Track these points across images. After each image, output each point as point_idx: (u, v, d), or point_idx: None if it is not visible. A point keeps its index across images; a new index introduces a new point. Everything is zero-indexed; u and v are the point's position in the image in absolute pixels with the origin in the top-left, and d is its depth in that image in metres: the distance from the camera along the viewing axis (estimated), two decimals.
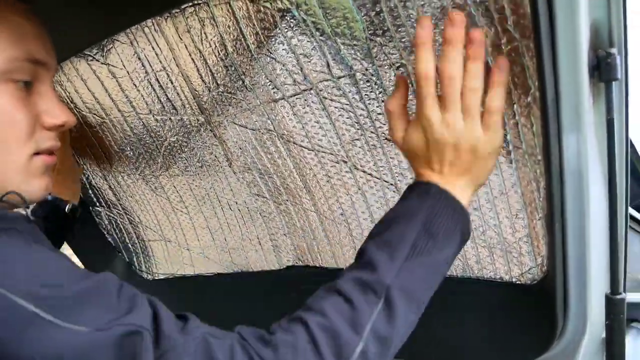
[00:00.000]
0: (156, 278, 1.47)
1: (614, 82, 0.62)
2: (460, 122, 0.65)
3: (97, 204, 1.45)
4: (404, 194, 0.70)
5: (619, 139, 0.66)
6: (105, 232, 1.50)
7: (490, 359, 0.95)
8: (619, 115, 0.65)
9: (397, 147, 0.72)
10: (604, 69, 0.61)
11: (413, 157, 0.70)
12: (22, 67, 0.67)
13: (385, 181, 0.95)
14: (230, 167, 1.12)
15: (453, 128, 0.65)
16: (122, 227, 1.46)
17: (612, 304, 0.69)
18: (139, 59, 1.08)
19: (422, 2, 0.74)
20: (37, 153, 0.70)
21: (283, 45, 0.88)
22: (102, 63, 1.13)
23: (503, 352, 0.92)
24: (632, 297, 1.18)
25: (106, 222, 1.48)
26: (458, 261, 0.94)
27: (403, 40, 0.78)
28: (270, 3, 0.85)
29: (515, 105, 0.75)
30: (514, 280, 0.89)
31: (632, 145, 1.92)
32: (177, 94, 1.09)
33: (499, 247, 0.87)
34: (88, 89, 1.20)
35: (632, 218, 1.54)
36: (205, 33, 0.94)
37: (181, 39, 0.98)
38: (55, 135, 0.73)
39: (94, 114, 1.25)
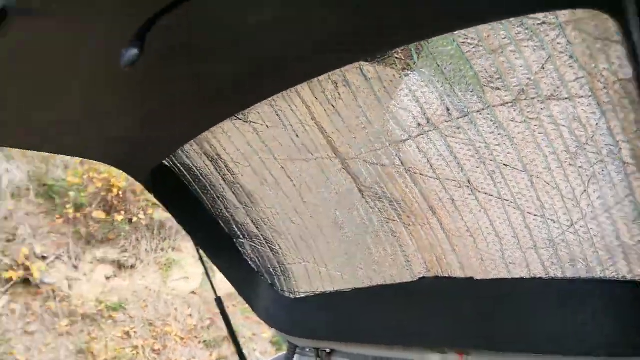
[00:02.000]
0: (297, 296, 1.68)
1: None
2: None
3: (241, 236, 1.68)
4: None
5: None
6: (248, 260, 1.73)
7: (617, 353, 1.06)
8: None
9: None
10: None
11: None
12: None
13: (506, 200, 1.09)
14: (362, 197, 1.30)
15: None
16: (263, 254, 1.68)
17: None
18: (277, 115, 1.29)
19: (529, 54, 0.88)
20: None
21: (408, 96, 1.05)
22: (244, 121, 1.35)
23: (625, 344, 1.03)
24: None
25: (249, 251, 1.70)
26: (580, 264, 1.06)
27: (515, 86, 0.93)
28: (395, 65, 1.02)
29: (629, 131, 0.88)
30: (636, 278, 1.00)
31: None
32: (312, 140, 1.28)
33: (620, 249, 0.99)
34: (232, 143, 1.43)
35: None
36: (338, 92, 1.13)
37: (316, 98, 1.18)
38: None
39: (237, 162, 1.47)
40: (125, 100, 1.19)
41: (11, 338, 5.72)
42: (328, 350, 1.68)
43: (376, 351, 1.51)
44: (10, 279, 6.04)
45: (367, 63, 1.05)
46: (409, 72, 1.02)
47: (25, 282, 6.19)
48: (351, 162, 1.25)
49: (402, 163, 1.17)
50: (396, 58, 1.01)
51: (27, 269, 6.16)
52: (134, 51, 0.66)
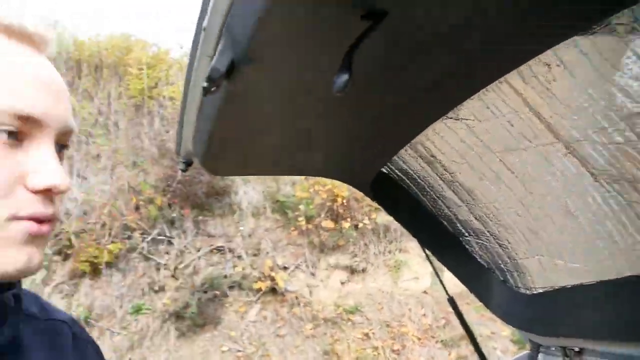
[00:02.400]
0: (534, 292, 1.60)
1: None
2: None
3: (466, 234, 1.66)
4: None
5: None
6: (477, 257, 1.70)
7: None
8: None
9: None
10: None
11: None
12: (4, 119, 0.60)
13: None
14: (595, 180, 1.19)
15: None
16: (491, 250, 1.63)
17: None
18: (488, 107, 1.25)
19: None
20: (18, 218, 0.61)
21: (637, 63, 0.94)
22: (455, 119, 1.34)
23: None
24: None
25: (476, 248, 1.68)
26: None
27: None
28: (617, 32, 0.92)
29: None
30: None
31: None
32: (529, 127, 1.22)
33: None
34: (445, 142, 1.43)
35: None
36: (552, 74, 1.05)
37: (527, 83, 1.12)
38: (46, 200, 0.63)
39: (453, 161, 1.47)
40: (341, 121, 1.27)
41: (265, 342, 6.45)
42: (577, 349, 1.56)
43: (634, 349, 1.36)
44: (260, 289, 6.84)
45: (582, 36, 0.96)
46: (635, 36, 0.91)
47: (272, 291, 6.95)
48: (576, 145, 1.15)
49: (639, 138, 1.04)
50: (617, 24, 0.91)
51: (272, 279, 6.92)
52: (344, 77, 0.71)
